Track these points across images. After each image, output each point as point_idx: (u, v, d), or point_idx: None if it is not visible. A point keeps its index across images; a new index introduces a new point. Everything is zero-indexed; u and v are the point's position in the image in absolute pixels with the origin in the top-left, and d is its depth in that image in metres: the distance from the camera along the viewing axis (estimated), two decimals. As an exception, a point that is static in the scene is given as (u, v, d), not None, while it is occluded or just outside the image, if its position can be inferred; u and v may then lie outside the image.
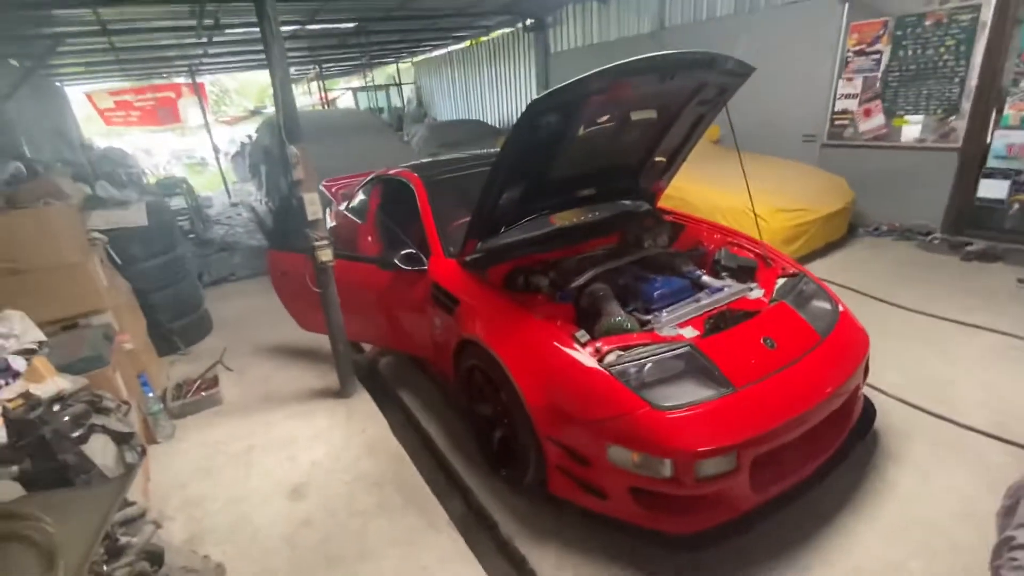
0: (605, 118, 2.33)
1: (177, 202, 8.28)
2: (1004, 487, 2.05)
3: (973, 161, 4.60)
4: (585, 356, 1.97)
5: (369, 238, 3.60)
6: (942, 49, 4.57)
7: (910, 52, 4.77)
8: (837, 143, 5.49)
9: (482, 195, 2.27)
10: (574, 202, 2.87)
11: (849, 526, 2.02)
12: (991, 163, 4.48)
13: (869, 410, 2.41)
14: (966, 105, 4.52)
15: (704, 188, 4.68)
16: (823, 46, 5.33)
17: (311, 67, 14.21)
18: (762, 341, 2.06)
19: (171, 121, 13.10)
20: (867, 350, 2.25)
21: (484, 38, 11.79)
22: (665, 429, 1.76)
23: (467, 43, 12.55)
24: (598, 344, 2.02)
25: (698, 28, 6.63)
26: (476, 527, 2.26)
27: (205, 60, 10.41)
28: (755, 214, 3.09)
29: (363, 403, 3.07)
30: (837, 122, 5.44)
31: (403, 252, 2.74)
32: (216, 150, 11.72)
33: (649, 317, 2.31)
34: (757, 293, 2.43)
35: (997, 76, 4.35)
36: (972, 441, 2.36)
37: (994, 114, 4.44)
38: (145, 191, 7.35)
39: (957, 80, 4.53)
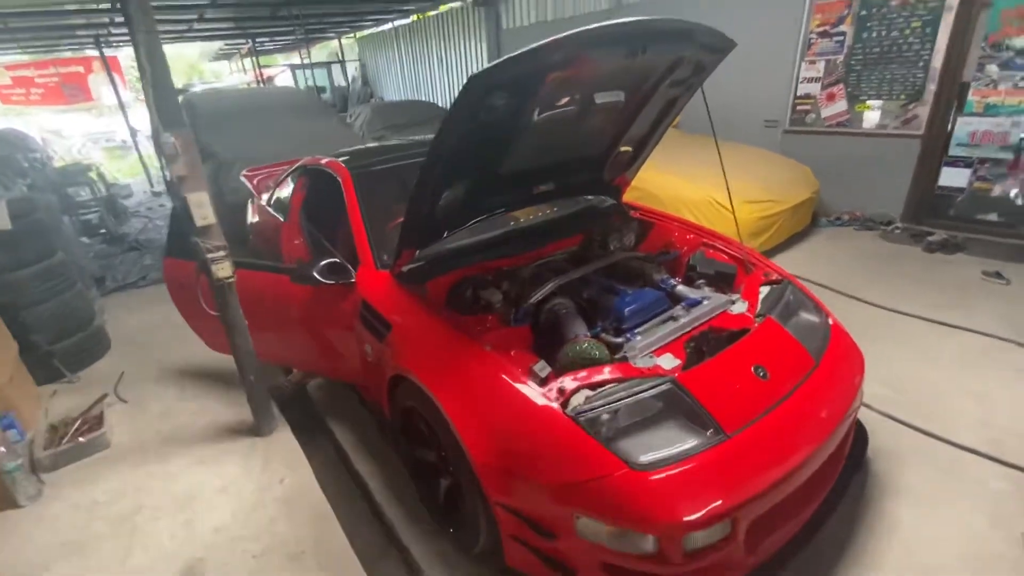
0: (564, 100, 1.91)
1: (83, 191, 7.30)
2: (1008, 519, 1.83)
3: (935, 148, 4.49)
4: (546, 398, 1.58)
5: (295, 241, 3.07)
6: (907, 31, 4.39)
7: (874, 34, 4.58)
8: (799, 129, 5.30)
9: (414, 195, 1.82)
10: (529, 200, 2.45)
11: (851, 580, 1.75)
12: (953, 151, 4.38)
13: (861, 434, 2.16)
14: (930, 90, 4.39)
15: (668, 177, 4.36)
16: (786, 26, 5.09)
17: (243, 42, 13.03)
18: (753, 370, 1.73)
19: (81, 99, 11.71)
20: (863, 371, 1.97)
21: (431, 12, 11.06)
22: (647, 496, 1.41)
23: (413, 17, 11.77)
24: (562, 382, 1.63)
25: (657, 4, 6.28)
26: (417, 602, 1.86)
27: (114, 30, 9.22)
28: (732, 209, 2.77)
29: (283, 443, 2.58)
30: (799, 107, 5.25)
31: (323, 262, 2.25)
32: (133, 132, 10.53)
33: (620, 340, 1.94)
34: (740, 307, 2.10)
35: (962, 61, 4.21)
36: (969, 463, 2.15)
37: (956, 100, 4.32)
38: (47, 178, 6.40)
39: (921, 64, 4.38)
